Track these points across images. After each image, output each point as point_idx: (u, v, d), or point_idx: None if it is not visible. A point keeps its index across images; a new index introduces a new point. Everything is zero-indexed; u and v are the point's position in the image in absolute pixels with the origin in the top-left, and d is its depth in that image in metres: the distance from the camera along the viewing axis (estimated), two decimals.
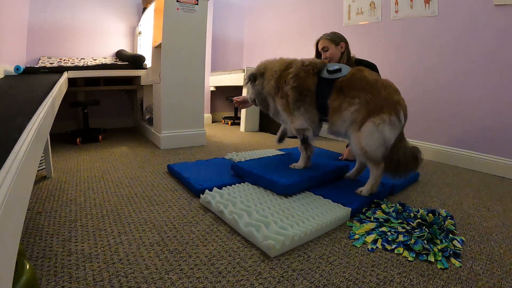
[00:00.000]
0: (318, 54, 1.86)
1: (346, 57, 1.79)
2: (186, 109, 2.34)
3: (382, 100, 1.21)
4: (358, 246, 0.95)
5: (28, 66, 2.29)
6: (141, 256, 0.86)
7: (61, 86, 1.45)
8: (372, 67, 1.81)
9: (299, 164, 1.47)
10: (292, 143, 2.34)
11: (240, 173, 1.47)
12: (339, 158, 1.96)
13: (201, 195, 1.25)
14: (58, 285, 0.72)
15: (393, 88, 1.27)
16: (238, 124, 3.66)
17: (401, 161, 1.21)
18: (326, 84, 1.34)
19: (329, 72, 1.35)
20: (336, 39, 1.77)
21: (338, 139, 2.86)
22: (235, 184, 1.39)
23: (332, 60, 1.80)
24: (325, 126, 1.41)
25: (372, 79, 1.28)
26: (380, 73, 1.83)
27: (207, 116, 3.89)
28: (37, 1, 2.74)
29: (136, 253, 0.87)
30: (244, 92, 3.19)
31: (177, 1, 2.15)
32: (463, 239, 1.01)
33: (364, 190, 1.28)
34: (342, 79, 1.31)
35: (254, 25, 4.24)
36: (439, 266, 0.85)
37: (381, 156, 1.23)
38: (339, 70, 1.34)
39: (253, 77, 1.55)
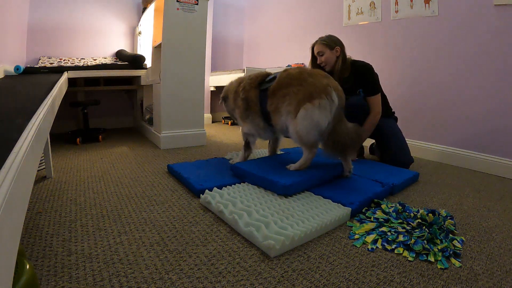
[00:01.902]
0: (314, 58, 1.88)
1: (342, 60, 1.79)
2: (186, 109, 2.34)
3: (311, 86, 1.32)
4: (358, 246, 0.95)
5: (28, 66, 2.29)
6: (141, 256, 0.86)
7: (61, 86, 1.45)
8: (367, 67, 1.80)
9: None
10: (292, 143, 2.34)
11: (240, 174, 1.47)
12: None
13: (201, 195, 1.25)
14: (58, 285, 0.72)
15: (320, 74, 1.38)
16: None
17: (348, 143, 1.32)
18: (264, 93, 1.48)
19: (266, 82, 1.50)
20: (331, 43, 1.78)
21: None
22: (235, 184, 1.39)
23: (328, 64, 1.81)
24: None
25: (296, 73, 1.40)
26: (378, 73, 1.84)
27: (207, 116, 3.89)
28: (37, 1, 2.74)
29: (136, 253, 0.87)
30: None
31: (177, 1, 2.15)
32: (463, 239, 1.01)
33: (292, 166, 1.42)
34: (272, 85, 1.45)
35: (254, 25, 4.24)
36: (439, 266, 0.85)
37: (314, 140, 1.36)
38: (274, 78, 1.47)
39: (223, 100, 1.76)
